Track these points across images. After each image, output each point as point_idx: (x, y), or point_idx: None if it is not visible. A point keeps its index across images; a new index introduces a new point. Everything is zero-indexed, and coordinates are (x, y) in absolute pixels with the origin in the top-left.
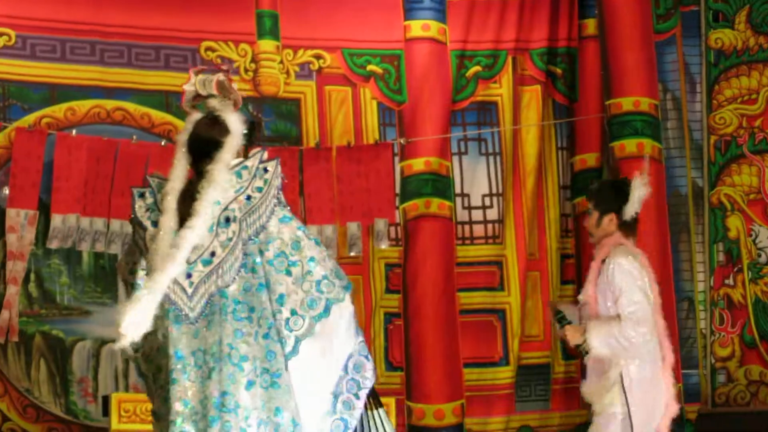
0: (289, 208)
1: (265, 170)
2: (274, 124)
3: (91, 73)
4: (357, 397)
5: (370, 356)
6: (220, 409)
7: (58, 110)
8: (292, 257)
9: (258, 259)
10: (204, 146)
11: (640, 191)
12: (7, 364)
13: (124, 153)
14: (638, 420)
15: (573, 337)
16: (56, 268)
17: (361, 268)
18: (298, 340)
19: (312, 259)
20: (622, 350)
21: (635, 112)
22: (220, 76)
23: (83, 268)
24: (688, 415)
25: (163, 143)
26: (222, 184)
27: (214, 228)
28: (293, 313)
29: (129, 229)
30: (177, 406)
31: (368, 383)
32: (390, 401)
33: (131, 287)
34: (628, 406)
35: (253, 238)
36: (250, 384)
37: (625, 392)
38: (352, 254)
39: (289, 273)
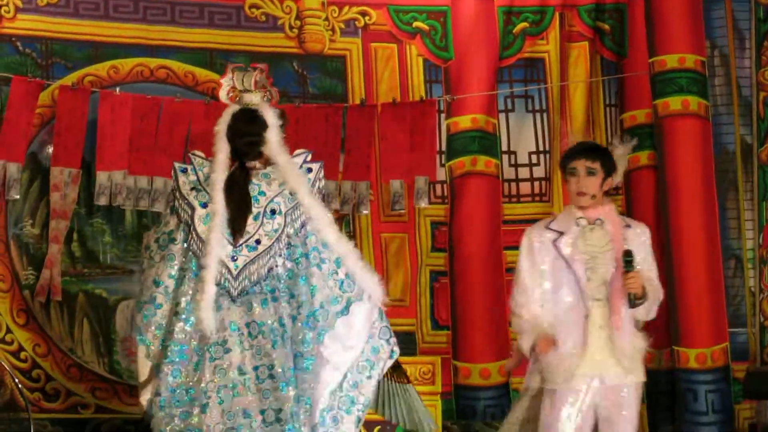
0: (327, 208)
1: (309, 170)
2: (319, 82)
3: (135, 31)
4: (369, 377)
5: (392, 339)
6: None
7: (102, 68)
8: (322, 254)
9: (300, 251)
10: (246, 139)
11: (625, 158)
12: (50, 323)
13: (168, 111)
14: None
15: (640, 287)
16: (99, 227)
17: (406, 226)
18: (323, 331)
19: (338, 260)
20: (652, 313)
21: (680, 69)
22: (258, 74)
23: (126, 227)
24: (735, 373)
25: (207, 101)
26: (293, 173)
27: (260, 217)
28: (321, 305)
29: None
30: (232, 374)
31: (382, 363)
32: (436, 360)
33: (151, 255)
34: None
35: (297, 232)
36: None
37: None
38: (395, 210)
39: (319, 268)
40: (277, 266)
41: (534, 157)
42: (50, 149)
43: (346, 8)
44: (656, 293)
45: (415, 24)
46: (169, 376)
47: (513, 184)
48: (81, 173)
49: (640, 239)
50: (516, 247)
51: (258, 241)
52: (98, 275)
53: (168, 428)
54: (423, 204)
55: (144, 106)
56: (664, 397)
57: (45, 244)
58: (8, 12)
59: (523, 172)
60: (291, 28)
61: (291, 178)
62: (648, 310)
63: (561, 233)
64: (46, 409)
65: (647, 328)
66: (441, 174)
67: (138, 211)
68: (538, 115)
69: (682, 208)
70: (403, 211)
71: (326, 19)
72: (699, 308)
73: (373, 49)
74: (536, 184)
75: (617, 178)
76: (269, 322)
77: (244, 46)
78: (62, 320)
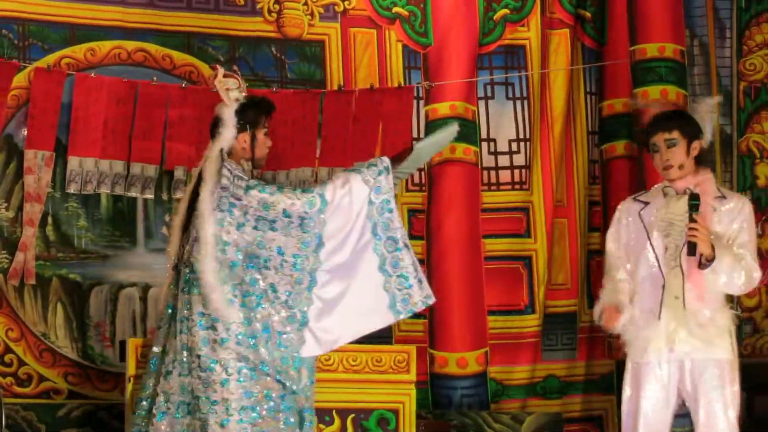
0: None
1: None
2: (297, 67)
3: (112, 14)
4: None
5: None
6: None
7: (78, 50)
8: None
9: None
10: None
11: (711, 115)
12: (23, 308)
13: (145, 94)
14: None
15: (706, 240)
16: (74, 211)
17: None
18: None
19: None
20: (736, 286)
21: (660, 58)
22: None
23: (101, 212)
24: None
25: (183, 85)
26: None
27: None
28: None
29: (150, 172)
30: None
31: None
32: (411, 349)
33: None
34: (738, 355)
35: None
36: None
37: (735, 340)
38: None
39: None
40: None
41: (514, 145)
42: (25, 132)
43: None
44: (738, 264)
45: (395, 9)
46: None
47: (492, 172)
48: (54, 156)
49: (732, 212)
50: (495, 235)
51: None
52: (72, 260)
53: None
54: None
55: (120, 89)
56: None
57: (20, 227)
58: None
59: (503, 160)
60: (270, 12)
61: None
62: (729, 278)
63: (647, 203)
64: (19, 394)
65: None
66: None
67: (114, 195)
68: (518, 103)
69: None
70: None
71: (305, 3)
72: None
73: (352, 35)
74: (516, 171)
75: (708, 137)
76: None
77: (222, 30)
78: (36, 305)
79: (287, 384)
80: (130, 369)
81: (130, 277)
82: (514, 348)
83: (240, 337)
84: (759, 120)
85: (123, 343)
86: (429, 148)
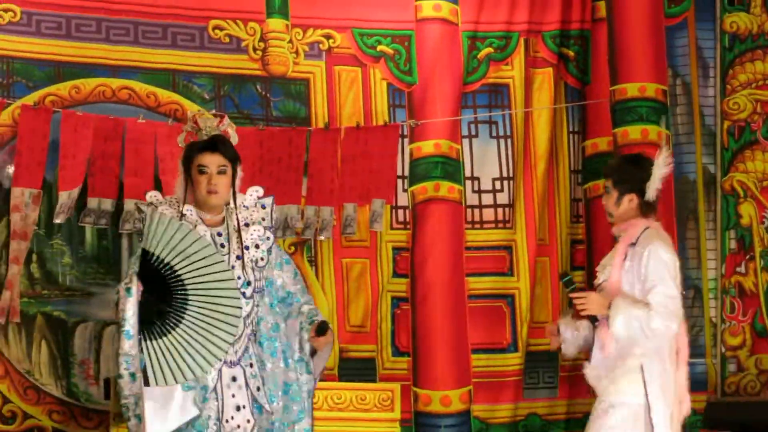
0: None
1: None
2: (282, 104)
3: (97, 51)
4: None
5: None
6: None
7: (63, 88)
8: None
9: None
10: None
11: (661, 169)
12: (8, 345)
13: (132, 132)
14: (659, 413)
15: (596, 306)
16: (59, 249)
17: (368, 251)
18: None
19: None
20: (642, 338)
21: (640, 98)
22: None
23: (86, 249)
24: (693, 404)
25: (170, 122)
26: None
27: None
28: None
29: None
30: None
31: None
32: (396, 387)
33: None
34: (647, 398)
35: None
36: None
37: (645, 384)
38: (346, 234)
39: None
40: None
41: (498, 183)
42: (10, 169)
43: (311, 31)
44: (637, 314)
45: (380, 48)
46: None
47: (476, 210)
48: (41, 194)
49: (638, 261)
50: (478, 274)
51: None
52: (57, 297)
53: None
54: (378, 228)
55: (107, 127)
56: None
57: (5, 265)
58: None
59: (487, 199)
60: (255, 50)
61: None
62: (626, 330)
63: None
64: None
65: None
66: (403, 199)
67: (99, 232)
68: (502, 141)
69: None
70: (353, 235)
71: (290, 41)
72: None
73: (336, 73)
74: (500, 210)
75: (653, 190)
76: None
77: (207, 67)
78: (20, 342)
79: None
80: (114, 407)
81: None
82: (497, 386)
83: None
84: (743, 159)
85: (107, 381)
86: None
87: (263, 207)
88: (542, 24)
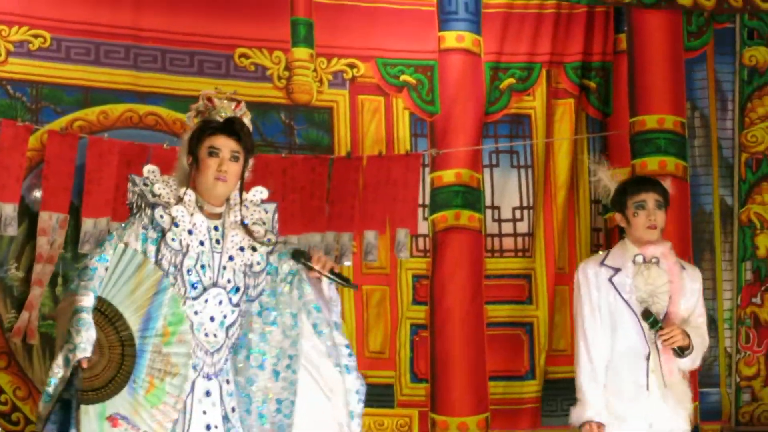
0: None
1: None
2: (306, 133)
3: (125, 77)
4: None
5: None
6: None
7: (91, 113)
8: None
9: None
10: None
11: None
12: (32, 366)
13: (157, 158)
14: None
15: (681, 338)
16: None
17: (387, 278)
18: None
19: None
20: (697, 363)
21: (659, 130)
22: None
23: None
24: None
25: None
26: None
27: None
28: None
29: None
30: None
31: None
32: (413, 413)
33: None
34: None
35: None
36: None
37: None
38: (367, 261)
39: None
40: None
41: (518, 213)
42: (37, 193)
43: (335, 60)
44: (703, 342)
45: (403, 77)
46: None
47: (496, 239)
48: (69, 218)
49: (693, 285)
50: (497, 302)
51: None
52: None
53: None
54: (403, 256)
55: (132, 152)
56: None
57: (27, 286)
58: (0, 56)
59: (507, 227)
60: (279, 78)
61: None
62: (693, 360)
63: (617, 270)
64: None
65: None
66: (423, 227)
67: None
68: (522, 171)
69: None
70: (374, 263)
71: (314, 70)
72: None
73: (360, 102)
74: (519, 239)
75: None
76: None
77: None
78: (44, 364)
79: None
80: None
81: None
82: (514, 413)
83: None
84: (760, 191)
85: None
86: None
87: (266, 211)
88: (564, 55)
